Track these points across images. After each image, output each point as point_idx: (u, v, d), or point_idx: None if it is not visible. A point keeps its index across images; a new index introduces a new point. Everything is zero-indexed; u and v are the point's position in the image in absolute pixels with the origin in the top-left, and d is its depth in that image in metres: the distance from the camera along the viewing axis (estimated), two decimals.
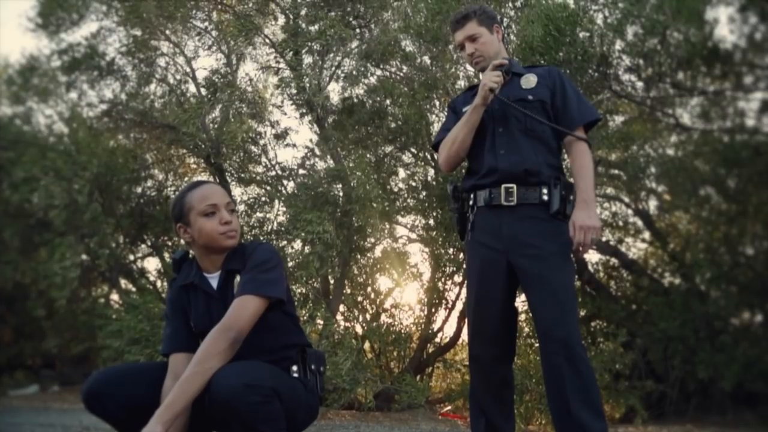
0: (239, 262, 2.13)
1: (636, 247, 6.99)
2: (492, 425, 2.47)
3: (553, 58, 4.76)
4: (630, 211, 6.81)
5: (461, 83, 5.63)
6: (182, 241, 2.26)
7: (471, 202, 2.53)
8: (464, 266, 5.91)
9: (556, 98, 2.53)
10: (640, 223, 6.82)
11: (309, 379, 2.18)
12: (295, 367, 2.16)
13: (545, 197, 2.42)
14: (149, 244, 7.76)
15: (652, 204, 6.83)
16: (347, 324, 5.77)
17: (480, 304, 2.47)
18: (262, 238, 6.08)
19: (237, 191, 6.84)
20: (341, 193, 5.51)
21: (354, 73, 5.98)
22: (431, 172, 6.06)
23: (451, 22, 2.65)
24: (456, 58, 5.62)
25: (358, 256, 5.97)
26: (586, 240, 2.33)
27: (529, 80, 2.55)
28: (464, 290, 6.05)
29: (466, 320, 2.58)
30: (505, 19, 5.52)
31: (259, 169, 6.66)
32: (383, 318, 5.98)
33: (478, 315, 2.48)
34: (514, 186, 2.42)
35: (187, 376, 1.89)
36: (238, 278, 2.13)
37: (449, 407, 5.67)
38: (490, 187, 2.45)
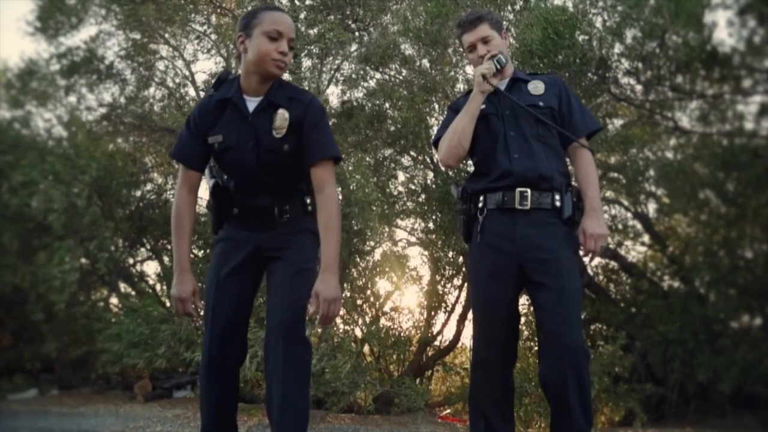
0: (283, 97, 2.27)
1: (635, 250, 7.00)
2: (492, 428, 2.47)
3: (552, 61, 4.77)
4: (629, 215, 6.81)
5: (460, 86, 5.63)
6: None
7: (481, 204, 2.52)
8: (464, 269, 5.92)
9: (562, 106, 2.56)
10: (639, 226, 6.82)
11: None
12: (308, 200, 2.35)
13: (558, 203, 2.45)
14: (148, 247, 7.74)
15: (651, 207, 6.84)
16: (347, 327, 5.77)
17: (488, 307, 2.47)
18: None
19: None
20: (340, 196, 5.51)
21: (353, 76, 5.99)
22: (430, 175, 6.06)
23: (461, 24, 2.66)
24: (455, 62, 5.63)
25: (358, 260, 5.96)
26: (596, 248, 2.40)
27: (537, 87, 2.58)
28: (464, 293, 6.06)
29: (472, 323, 2.57)
30: (504, 23, 5.53)
31: None
32: (383, 321, 5.97)
33: (485, 318, 2.48)
34: (529, 190, 2.43)
35: (333, 238, 2.20)
36: (280, 112, 2.25)
37: (449, 410, 5.66)
38: (504, 190, 2.46)
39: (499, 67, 2.50)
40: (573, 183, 2.58)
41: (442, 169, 5.75)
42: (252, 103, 2.28)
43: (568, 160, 2.66)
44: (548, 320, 2.36)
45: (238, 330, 2.32)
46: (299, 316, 2.19)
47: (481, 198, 2.53)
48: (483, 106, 2.54)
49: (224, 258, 2.33)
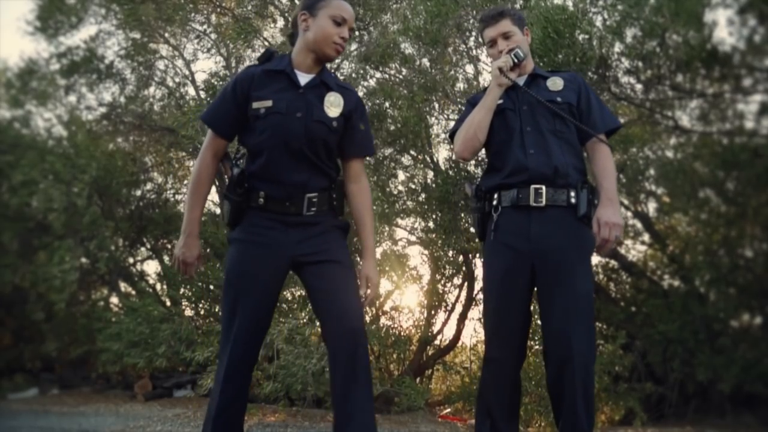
0: (334, 83, 2.39)
1: (635, 250, 7.00)
2: (497, 428, 2.47)
3: (552, 60, 4.76)
4: (629, 214, 6.81)
5: (460, 85, 5.63)
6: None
7: (495, 202, 2.51)
8: (464, 268, 5.93)
9: (581, 103, 2.55)
10: (639, 225, 6.82)
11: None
12: (334, 195, 2.39)
13: (573, 200, 2.42)
14: (148, 247, 7.75)
15: (652, 206, 6.84)
16: None
17: (501, 306, 2.46)
18: None
19: None
20: None
21: (353, 75, 5.98)
22: (430, 174, 6.06)
23: (483, 19, 2.67)
24: (455, 61, 5.62)
25: (358, 259, 5.96)
26: (610, 236, 2.35)
27: (556, 83, 2.58)
28: (464, 292, 6.06)
29: (483, 321, 2.57)
30: None
31: None
32: (383, 320, 5.97)
33: (498, 317, 2.47)
34: (543, 187, 2.41)
35: (371, 224, 2.42)
36: (333, 95, 2.35)
37: (449, 410, 5.67)
38: (518, 187, 2.44)
39: (516, 61, 2.50)
40: (589, 180, 2.54)
41: (442, 168, 5.75)
42: (303, 78, 2.35)
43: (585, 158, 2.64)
44: (558, 322, 2.36)
45: (259, 339, 2.31)
46: (364, 317, 2.29)
47: (496, 195, 2.51)
48: (500, 101, 2.53)
49: (248, 262, 2.29)
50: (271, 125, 2.28)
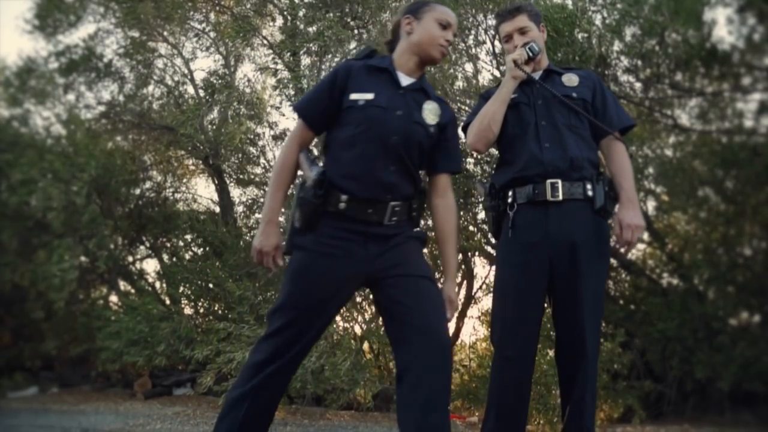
0: (432, 91, 2.39)
1: (635, 248, 6.99)
2: (505, 428, 2.46)
3: (551, 59, 4.75)
4: None
5: (459, 84, 5.63)
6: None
7: (510, 200, 2.49)
8: (463, 266, 5.93)
9: (596, 100, 2.55)
10: None
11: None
12: (415, 205, 2.34)
13: (590, 193, 2.41)
14: (148, 245, 7.75)
15: (651, 205, 6.82)
16: (346, 325, 5.78)
17: (520, 305, 2.44)
18: None
19: (235, 192, 6.84)
20: None
21: None
22: None
23: (500, 14, 2.68)
24: (454, 59, 5.62)
25: None
26: (632, 239, 2.35)
27: (571, 79, 2.58)
28: (463, 291, 6.06)
29: (495, 320, 2.54)
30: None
31: (258, 170, 6.66)
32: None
33: (517, 314, 2.44)
34: (559, 181, 2.40)
35: (455, 245, 2.41)
36: (432, 104, 2.33)
37: (448, 407, 5.66)
38: (534, 182, 2.43)
39: (531, 54, 2.50)
40: (603, 172, 2.54)
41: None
42: (404, 80, 2.33)
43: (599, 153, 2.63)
44: (575, 321, 2.37)
45: (309, 348, 2.26)
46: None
47: (510, 192, 2.50)
48: (515, 95, 2.53)
49: (320, 277, 2.17)
50: (370, 118, 2.21)
